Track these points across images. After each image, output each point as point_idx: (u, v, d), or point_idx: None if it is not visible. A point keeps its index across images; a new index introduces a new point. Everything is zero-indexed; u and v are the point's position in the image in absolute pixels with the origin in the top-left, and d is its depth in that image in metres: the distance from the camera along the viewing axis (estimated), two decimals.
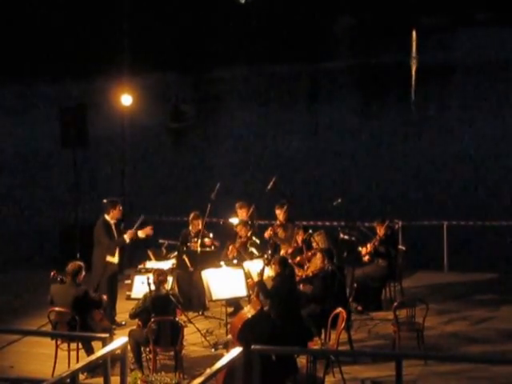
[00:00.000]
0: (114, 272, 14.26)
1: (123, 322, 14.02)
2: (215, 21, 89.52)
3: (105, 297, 13.04)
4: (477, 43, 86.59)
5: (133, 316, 12.47)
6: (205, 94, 56.19)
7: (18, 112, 49.01)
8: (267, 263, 12.76)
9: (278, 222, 15.21)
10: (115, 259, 14.24)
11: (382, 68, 69.47)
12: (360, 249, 14.97)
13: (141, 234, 14.38)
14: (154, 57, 66.48)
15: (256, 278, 12.48)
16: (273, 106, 51.90)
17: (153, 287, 12.29)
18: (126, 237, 14.18)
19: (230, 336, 12.05)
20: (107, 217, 14.19)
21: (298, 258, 14.41)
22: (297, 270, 14.05)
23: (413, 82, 64.66)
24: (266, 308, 11.70)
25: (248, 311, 11.51)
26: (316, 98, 59.85)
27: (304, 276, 13.86)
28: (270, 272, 13.35)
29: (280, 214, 15.19)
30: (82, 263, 12.72)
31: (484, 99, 50.52)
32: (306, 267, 14.24)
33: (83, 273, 12.57)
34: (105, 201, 15.01)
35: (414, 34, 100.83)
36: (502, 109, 46.40)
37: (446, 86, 60.89)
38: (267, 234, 15.00)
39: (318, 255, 13.50)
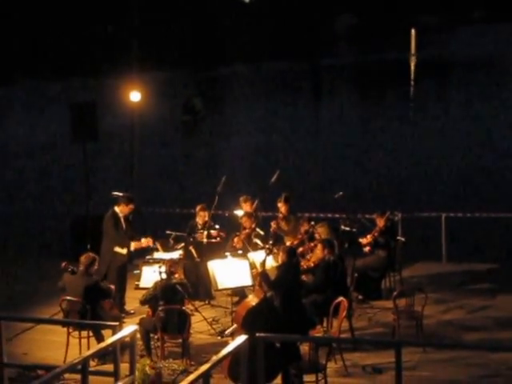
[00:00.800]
0: (123, 262, 14.28)
1: (132, 311, 14.06)
2: (220, 19, 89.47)
3: (112, 286, 13.05)
4: (474, 40, 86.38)
5: (143, 302, 12.54)
6: (210, 90, 56.13)
7: (31, 108, 49.06)
8: (268, 253, 12.74)
9: (280, 215, 15.18)
10: (124, 250, 14.25)
11: (382, 65, 69.34)
12: (360, 239, 14.98)
13: (144, 242, 14.42)
14: (161, 54, 66.44)
15: (259, 268, 12.47)
16: (276, 101, 51.82)
17: (164, 276, 12.35)
18: (132, 244, 14.21)
19: (235, 325, 12.06)
20: (117, 209, 14.21)
21: (301, 249, 14.41)
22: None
23: (412, 79, 64.52)
24: (268, 295, 11.70)
25: (251, 300, 11.52)
26: (318, 94, 59.78)
27: (306, 267, 13.86)
28: (272, 262, 13.37)
29: (282, 207, 15.17)
30: (95, 255, 12.75)
31: (481, 94, 50.44)
32: (308, 257, 14.26)
33: (96, 265, 12.61)
34: (114, 193, 15.01)
35: (413, 32, 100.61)
36: (498, 102, 46.34)
37: (444, 81, 60.79)
38: (272, 228, 14.95)
39: (319, 246, 13.49)
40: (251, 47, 77.87)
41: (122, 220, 14.20)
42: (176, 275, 12.64)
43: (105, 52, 65.48)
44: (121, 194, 14.75)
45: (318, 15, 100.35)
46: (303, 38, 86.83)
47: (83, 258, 12.54)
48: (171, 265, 12.54)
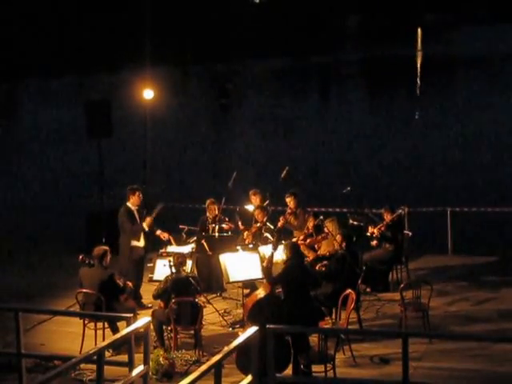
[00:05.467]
0: (141, 256, 14.26)
1: (149, 305, 14.01)
2: (231, 18, 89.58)
3: (130, 284, 13.06)
4: (479, 39, 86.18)
5: (156, 297, 12.54)
6: (221, 85, 56.13)
7: (44, 103, 49.18)
8: (274, 248, 12.66)
9: (288, 210, 15.16)
10: (141, 243, 14.24)
11: (389, 62, 69.27)
12: (370, 230, 14.98)
13: (159, 233, 14.43)
14: (173, 51, 66.52)
15: (266, 263, 12.45)
16: (285, 97, 51.79)
17: (173, 270, 12.36)
18: (145, 225, 14.21)
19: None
20: (129, 204, 14.24)
21: (309, 240, 14.41)
22: (307, 252, 14.10)
23: (418, 75, 64.40)
24: (278, 290, 11.72)
25: (259, 293, 11.54)
26: (326, 90, 59.72)
27: (321, 255, 13.89)
28: (283, 256, 13.37)
29: (290, 201, 15.14)
30: (107, 247, 12.78)
31: (485, 90, 50.34)
32: (317, 247, 14.29)
33: (109, 256, 12.63)
34: (127, 190, 15.04)
35: (419, 30, 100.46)
36: (500, 98, 46.30)
37: (450, 78, 60.68)
38: (280, 223, 14.92)
39: (339, 237, 13.51)
40: (261, 44, 77.87)
41: (136, 213, 14.22)
42: (184, 267, 12.65)
43: (119, 48, 65.51)
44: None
45: (327, 14, 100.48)
46: (313, 36, 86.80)
47: (95, 251, 12.57)
48: (179, 257, 12.55)
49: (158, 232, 14.48)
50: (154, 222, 14.30)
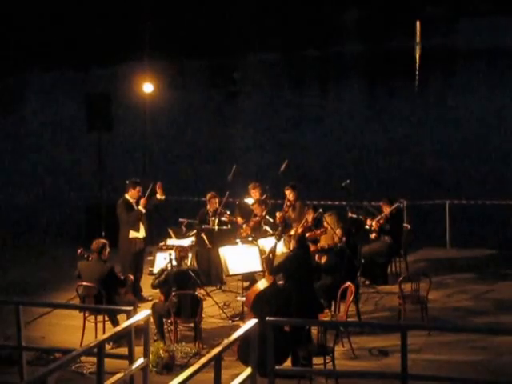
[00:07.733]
0: (140, 249, 14.24)
1: (150, 298, 14.03)
2: (231, 11, 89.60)
3: (132, 277, 13.08)
4: (478, 32, 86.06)
5: (155, 286, 12.56)
6: (220, 79, 56.09)
7: (45, 96, 49.15)
8: (278, 239, 12.76)
9: (287, 203, 15.14)
10: (140, 234, 14.21)
11: (388, 55, 69.22)
12: (368, 222, 14.99)
13: (158, 196, 14.34)
14: (172, 44, 66.49)
15: (268, 254, 12.49)
16: (285, 91, 51.74)
17: (174, 263, 12.38)
18: (141, 207, 14.12)
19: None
20: (127, 196, 14.24)
21: (308, 234, 14.42)
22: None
23: (417, 69, 64.34)
24: (280, 282, 11.74)
25: (261, 284, 11.56)
26: (325, 83, 59.68)
27: (320, 248, 13.93)
28: (283, 248, 13.40)
29: (289, 194, 15.16)
30: (105, 240, 12.79)
31: (484, 82, 50.31)
32: (317, 242, 14.32)
33: (108, 249, 12.65)
34: (128, 182, 15.05)
35: (418, 24, 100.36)
36: (500, 91, 46.27)
37: (449, 71, 60.65)
38: (279, 218, 14.89)
39: (338, 231, 13.53)
40: (260, 37, 77.79)
41: (134, 205, 14.21)
42: (186, 260, 12.68)
43: (118, 42, 65.47)
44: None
45: (326, 8, 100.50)
46: (312, 29, 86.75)
47: (94, 245, 12.59)
48: (181, 250, 12.59)
49: (158, 196, 14.37)
50: (148, 200, 14.22)
